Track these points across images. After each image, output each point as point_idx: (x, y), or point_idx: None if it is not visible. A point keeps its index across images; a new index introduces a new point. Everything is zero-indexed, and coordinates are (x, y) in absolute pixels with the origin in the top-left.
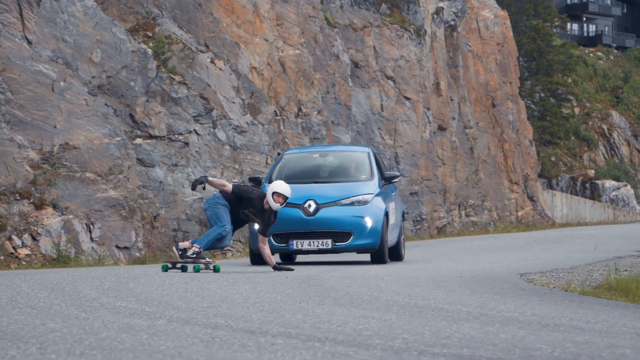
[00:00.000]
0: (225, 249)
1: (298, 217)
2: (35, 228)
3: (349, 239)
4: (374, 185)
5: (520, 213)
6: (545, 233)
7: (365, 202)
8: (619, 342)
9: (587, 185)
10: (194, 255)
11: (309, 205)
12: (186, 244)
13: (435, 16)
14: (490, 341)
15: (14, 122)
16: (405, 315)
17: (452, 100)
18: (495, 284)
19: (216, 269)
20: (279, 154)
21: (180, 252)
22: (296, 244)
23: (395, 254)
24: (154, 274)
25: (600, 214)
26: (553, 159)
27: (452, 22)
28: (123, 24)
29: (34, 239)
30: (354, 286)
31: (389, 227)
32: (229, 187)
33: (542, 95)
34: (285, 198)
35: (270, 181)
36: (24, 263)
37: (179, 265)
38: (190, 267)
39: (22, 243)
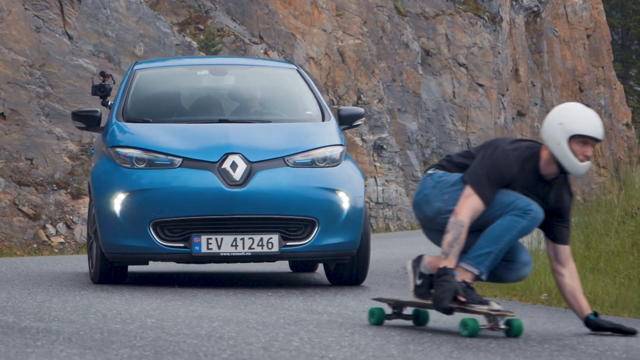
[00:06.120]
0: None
1: (212, 188)
2: (71, 217)
3: (311, 235)
4: (333, 129)
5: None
6: None
7: (334, 162)
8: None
9: None
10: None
11: (233, 165)
12: (434, 260)
13: (514, 3)
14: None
15: (52, 115)
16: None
17: (534, 86)
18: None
19: (516, 329)
20: (102, 74)
21: (418, 282)
22: (207, 244)
23: None
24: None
25: None
26: None
27: (535, 8)
28: (175, 18)
29: (68, 227)
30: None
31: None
32: (475, 198)
33: None
34: (594, 142)
35: (125, 115)
36: (56, 251)
37: (408, 310)
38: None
39: (57, 231)
